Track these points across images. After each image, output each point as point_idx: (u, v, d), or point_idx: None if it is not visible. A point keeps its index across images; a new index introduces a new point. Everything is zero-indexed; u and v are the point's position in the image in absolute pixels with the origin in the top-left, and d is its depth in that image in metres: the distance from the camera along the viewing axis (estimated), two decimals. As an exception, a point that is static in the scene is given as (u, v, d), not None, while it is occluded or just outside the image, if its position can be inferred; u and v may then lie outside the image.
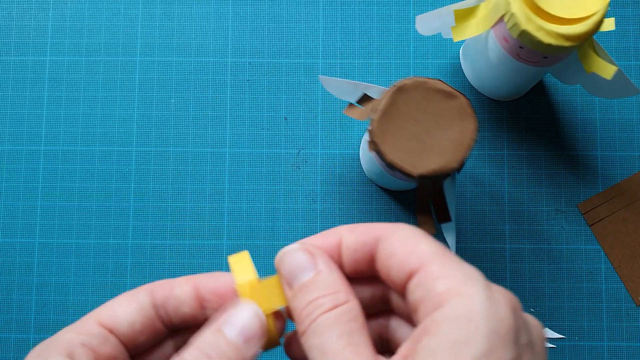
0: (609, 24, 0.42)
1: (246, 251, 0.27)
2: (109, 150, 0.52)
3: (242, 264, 0.26)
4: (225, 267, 0.50)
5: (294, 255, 0.25)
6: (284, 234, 0.51)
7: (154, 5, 0.53)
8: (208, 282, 0.26)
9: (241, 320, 0.24)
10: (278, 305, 0.25)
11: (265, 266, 0.50)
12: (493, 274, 0.50)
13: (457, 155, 0.39)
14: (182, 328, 0.27)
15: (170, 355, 0.27)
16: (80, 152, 0.52)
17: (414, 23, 0.53)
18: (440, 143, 0.39)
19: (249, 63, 0.53)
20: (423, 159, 0.39)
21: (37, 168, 0.51)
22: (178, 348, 0.27)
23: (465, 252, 0.51)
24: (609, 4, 0.53)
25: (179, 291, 0.26)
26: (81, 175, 0.51)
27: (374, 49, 0.53)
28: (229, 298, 0.26)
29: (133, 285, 0.50)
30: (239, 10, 0.53)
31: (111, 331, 0.25)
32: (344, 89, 0.43)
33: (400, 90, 0.39)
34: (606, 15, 0.53)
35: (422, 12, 0.53)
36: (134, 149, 0.52)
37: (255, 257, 0.50)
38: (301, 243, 0.26)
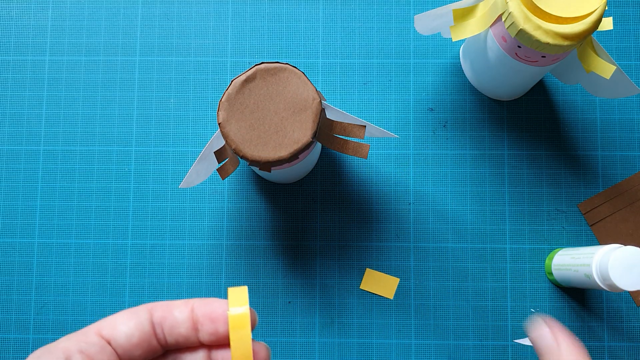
0: (607, 24, 0.41)
1: (245, 286, 0.28)
2: (108, 150, 0.52)
3: (238, 296, 0.28)
4: (224, 269, 0.50)
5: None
6: (284, 234, 0.51)
7: (153, 5, 0.53)
8: (204, 307, 0.28)
9: None
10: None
11: (266, 266, 0.50)
12: (493, 274, 0.50)
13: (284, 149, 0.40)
14: (174, 349, 0.28)
15: None
16: (80, 152, 0.52)
17: (414, 23, 0.53)
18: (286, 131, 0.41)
19: (249, 63, 0.53)
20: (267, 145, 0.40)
21: (37, 168, 0.51)
22: None
23: (465, 252, 0.50)
24: (609, 4, 0.53)
25: (177, 312, 0.27)
26: (80, 175, 0.51)
27: (374, 49, 0.53)
28: (220, 324, 0.27)
29: (132, 286, 0.50)
30: (238, 10, 0.53)
31: (109, 342, 0.26)
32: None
33: (247, 79, 0.40)
34: (605, 14, 0.53)
35: (421, 12, 0.53)
36: (133, 149, 0.52)
37: (254, 257, 0.50)
38: None
